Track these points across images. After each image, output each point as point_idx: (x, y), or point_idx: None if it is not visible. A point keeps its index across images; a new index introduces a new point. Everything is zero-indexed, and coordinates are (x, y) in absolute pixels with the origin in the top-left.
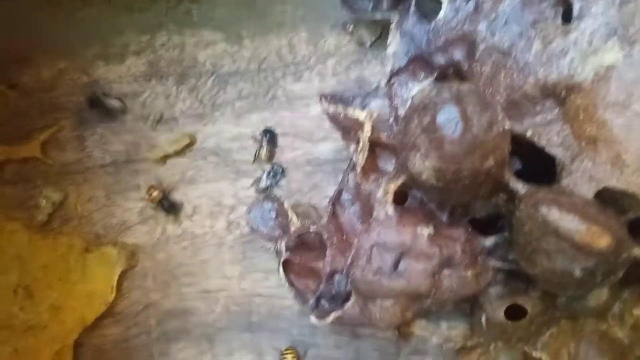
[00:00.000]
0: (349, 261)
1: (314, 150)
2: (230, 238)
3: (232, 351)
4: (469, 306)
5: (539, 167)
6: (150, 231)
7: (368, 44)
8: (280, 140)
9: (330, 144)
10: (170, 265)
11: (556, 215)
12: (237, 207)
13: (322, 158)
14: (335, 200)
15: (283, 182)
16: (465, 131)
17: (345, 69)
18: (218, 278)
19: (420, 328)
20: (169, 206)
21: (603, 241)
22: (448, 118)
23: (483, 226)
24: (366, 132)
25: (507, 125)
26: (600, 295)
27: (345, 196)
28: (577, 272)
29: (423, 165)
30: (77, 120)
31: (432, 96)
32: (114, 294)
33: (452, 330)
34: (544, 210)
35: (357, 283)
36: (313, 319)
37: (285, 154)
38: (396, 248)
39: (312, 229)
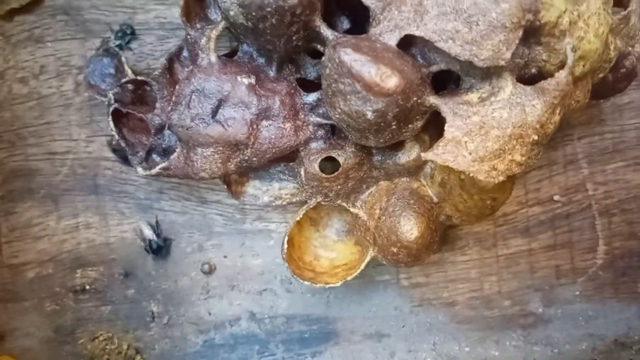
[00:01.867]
0: (169, 108)
1: (169, 13)
2: (78, 100)
3: (78, 212)
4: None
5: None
6: None
7: None
8: (132, 2)
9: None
10: (16, 125)
11: (350, 56)
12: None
13: (177, 22)
14: (174, 54)
15: (135, 44)
16: None
17: None
18: (65, 140)
19: (253, 187)
20: None
21: (391, 81)
22: None
23: (313, 86)
24: None
25: None
26: (410, 153)
27: (185, 53)
28: (370, 114)
29: (229, 0)
30: None
31: None
32: None
33: (283, 190)
34: (340, 51)
35: (176, 128)
36: (140, 170)
37: (139, 16)
38: (215, 95)
39: (142, 77)
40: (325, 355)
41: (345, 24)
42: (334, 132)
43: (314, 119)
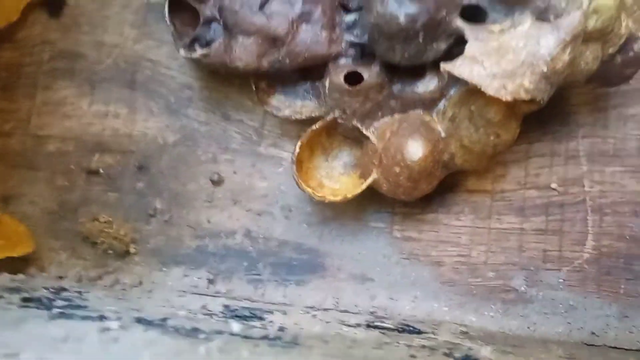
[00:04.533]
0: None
1: None
2: (136, 3)
3: (110, 101)
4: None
5: None
6: None
7: None
8: None
9: None
10: (75, 12)
11: None
12: None
13: None
14: None
15: None
16: None
17: None
18: (115, 34)
19: (277, 100)
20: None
21: None
22: None
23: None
24: None
25: None
26: (429, 84)
27: None
28: (402, 17)
29: None
30: None
31: None
32: (17, 16)
33: (304, 108)
34: None
35: (225, 11)
36: (182, 51)
37: None
38: None
39: None
40: (309, 286)
41: None
42: (363, 55)
43: (348, 37)
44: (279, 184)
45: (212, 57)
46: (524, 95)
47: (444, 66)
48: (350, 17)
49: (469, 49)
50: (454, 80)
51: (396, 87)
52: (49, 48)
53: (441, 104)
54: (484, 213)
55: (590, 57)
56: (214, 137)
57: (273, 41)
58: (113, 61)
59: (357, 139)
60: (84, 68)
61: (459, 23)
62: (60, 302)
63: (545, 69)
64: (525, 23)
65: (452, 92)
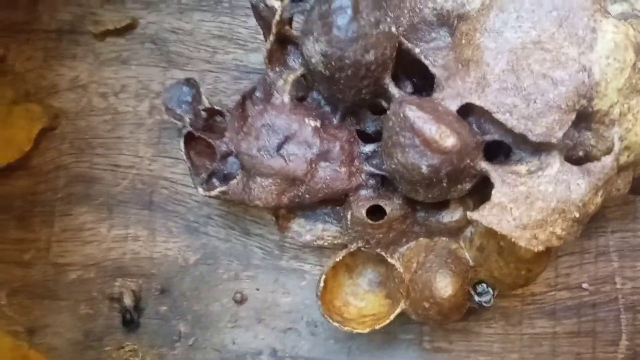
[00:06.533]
0: (240, 136)
1: (245, 57)
2: (150, 121)
3: (129, 224)
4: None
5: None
6: (77, 99)
7: None
8: (216, 43)
9: (261, 55)
10: (88, 134)
11: (414, 112)
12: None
13: (251, 66)
14: (247, 93)
15: (210, 80)
16: (353, 20)
17: None
18: (130, 155)
19: (298, 225)
20: None
21: (449, 141)
22: (341, 6)
23: (370, 139)
24: (275, 19)
25: (394, 29)
26: (454, 214)
27: (257, 93)
28: (424, 168)
29: (314, 49)
30: None
31: None
32: (30, 146)
33: (325, 232)
34: (405, 107)
35: (242, 155)
36: (200, 190)
37: (218, 56)
38: (283, 131)
39: (218, 107)
40: None
41: (409, 88)
42: (383, 183)
43: (368, 168)
44: (303, 298)
45: (230, 195)
46: (556, 243)
47: (472, 215)
48: (369, 148)
49: (496, 195)
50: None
51: (420, 215)
52: (63, 173)
53: (468, 231)
54: (515, 318)
55: (622, 184)
56: (235, 254)
57: (292, 181)
58: (129, 183)
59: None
60: (100, 192)
61: (484, 165)
62: None
63: (577, 215)
64: (554, 165)
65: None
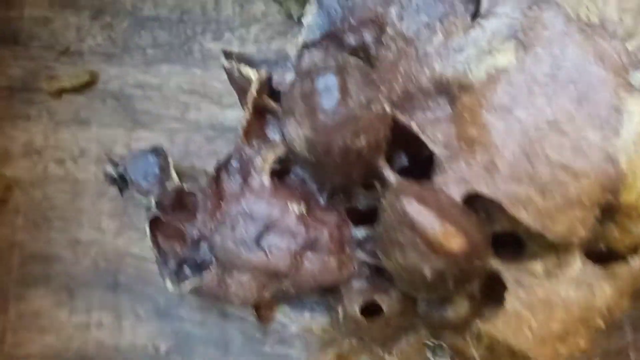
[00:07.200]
0: (213, 225)
1: (220, 114)
2: (113, 190)
3: (92, 308)
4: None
5: (426, 167)
6: (32, 167)
7: (296, 17)
8: (187, 98)
9: (238, 112)
10: (44, 206)
11: (415, 208)
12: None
13: (227, 124)
14: (222, 165)
15: (181, 140)
16: (341, 103)
17: (268, 38)
18: (92, 229)
19: (282, 314)
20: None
21: (455, 242)
22: (327, 86)
23: (362, 218)
24: (252, 92)
25: (388, 108)
26: (459, 308)
27: (234, 163)
28: (427, 272)
29: (296, 133)
30: None
31: (317, 62)
32: None
33: (314, 322)
34: (404, 200)
35: (217, 250)
36: (168, 284)
37: (190, 113)
38: (262, 220)
39: (188, 188)
40: None
41: (404, 161)
42: (378, 270)
43: (361, 255)
44: None
45: (204, 291)
46: (578, 356)
47: (483, 327)
48: (361, 232)
49: (510, 301)
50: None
51: (421, 308)
52: (17, 252)
53: (475, 327)
54: None
55: None
56: (212, 340)
57: (274, 275)
58: (92, 261)
59: None
60: (59, 272)
61: (495, 265)
62: None
63: (602, 324)
64: (574, 265)
65: (486, 311)
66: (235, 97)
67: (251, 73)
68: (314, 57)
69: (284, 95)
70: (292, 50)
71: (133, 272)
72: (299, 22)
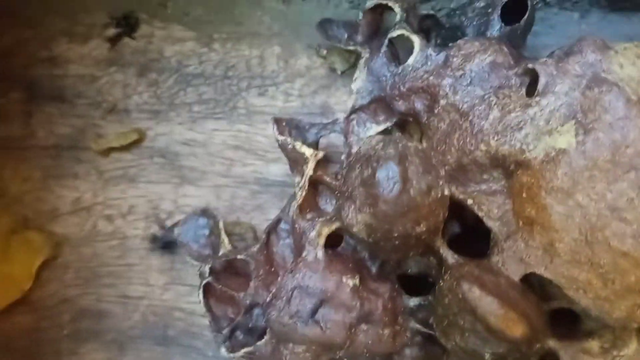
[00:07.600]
0: (268, 298)
1: (265, 169)
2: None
3: None
4: None
5: (479, 233)
6: (81, 223)
7: (339, 71)
8: (232, 154)
9: (282, 166)
10: (94, 263)
11: (476, 295)
12: (175, 214)
13: (271, 179)
14: (272, 228)
15: (227, 196)
16: (402, 193)
17: (312, 93)
18: (141, 284)
19: None
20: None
21: (518, 330)
22: (387, 176)
23: (413, 282)
24: (308, 171)
25: (447, 191)
26: None
27: (283, 225)
28: (487, 356)
29: (355, 218)
30: (27, 94)
31: (377, 148)
32: (31, 283)
33: None
34: (465, 286)
35: (273, 323)
36: (223, 350)
37: (235, 169)
38: (318, 294)
39: (241, 256)
40: None
41: (456, 228)
42: (430, 338)
43: (414, 325)
44: None
45: (256, 357)
46: None
47: None
48: (414, 302)
49: None
50: None
51: None
52: (68, 307)
53: None
54: None
55: None
56: None
57: (329, 347)
58: (141, 316)
59: None
60: (110, 327)
61: (553, 344)
62: None
63: None
64: (631, 344)
65: None
66: (279, 151)
67: (307, 152)
68: (373, 142)
69: (342, 178)
70: (336, 104)
71: (182, 326)
72: (342, 76)
